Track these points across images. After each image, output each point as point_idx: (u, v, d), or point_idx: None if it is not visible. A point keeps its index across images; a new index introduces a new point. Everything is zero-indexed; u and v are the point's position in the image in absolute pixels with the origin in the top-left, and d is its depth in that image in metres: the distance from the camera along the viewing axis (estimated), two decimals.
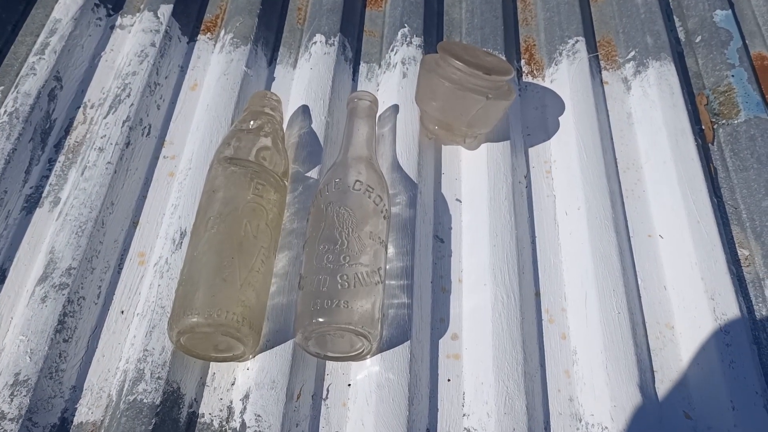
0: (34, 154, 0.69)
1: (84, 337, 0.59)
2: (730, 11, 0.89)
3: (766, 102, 0.80)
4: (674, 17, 0.92)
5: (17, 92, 0.71)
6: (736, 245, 0.70)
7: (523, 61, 0.87)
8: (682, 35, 0.90)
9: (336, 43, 0.82)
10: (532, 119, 0.80)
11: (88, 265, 0.61)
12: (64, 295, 0.58)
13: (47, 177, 0.69)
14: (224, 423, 0.55)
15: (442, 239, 0.69)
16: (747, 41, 0.87)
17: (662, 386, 0.60)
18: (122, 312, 0.61)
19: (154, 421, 0.52)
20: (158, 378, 0.54)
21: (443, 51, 0.67)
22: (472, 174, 0.73)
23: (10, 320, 0.59)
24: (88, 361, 0.58)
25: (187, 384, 0.56)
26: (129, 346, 0.58)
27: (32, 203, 0.67)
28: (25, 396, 0.53)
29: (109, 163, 0.67)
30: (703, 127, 0.80)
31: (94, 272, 0.61)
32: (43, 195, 0.68)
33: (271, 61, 0.84)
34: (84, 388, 0.57)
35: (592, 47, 0.87)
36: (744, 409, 0.57)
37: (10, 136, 0.67)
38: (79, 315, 0.59)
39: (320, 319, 0.53)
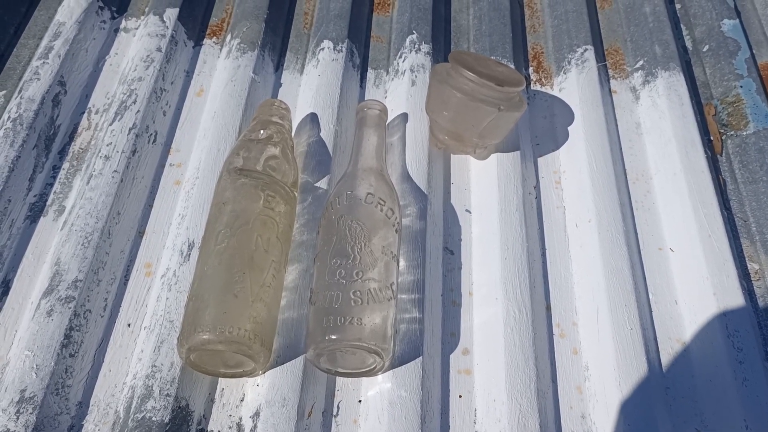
0: (38, 161, 0.68)
1: (90, 352, 0.58)
2: (737, 20, 0.89)
3: None
4: (681, 26, 0.92)
5: (21, 98, 0.69)
6: (746, 259, 0.70)
7: (531, 69, 0.87)
8: (689, 44, 0.90)
9: (344, 49, 0.81)
10: (541, 128, 0.80)
11: (94, 277, 0.60)
12: (70, 308, 0.57)
13: (51, 185, 0.68)
14: None
15: (452, 251, 0.68)
16: (755, 51, 0.87)
17: (675, 403, 0.60)
18: (129, 325, 0.60)
19: None
20: (167, 395, 0.53)
21: (455, 61, 0.67)
22: (482, 184, 0.72)
23: (15, 333, 0.58)
24: (94, 376, 0.57)
25: (196, 400, 0.55)
26: (136, 361, 0.57)
27: (36, 212, 0.66)
28: (31, 413, 0.52)
29: (115, 171, 0.66)
30: (712, 138, 0.80)
31: (100, 284, 0.60)
32: (48, 203, 0.67)
33: (278, 67, 0.83)
34: (90, 404, 0.56)
35: (600, 56, 0.86)
36: (757, 427, 0.57)
37: (14, 143, 0.66)
38: (86, 329, 0.58)
39: (333, 336, 0.52)
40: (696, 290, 0.65)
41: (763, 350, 0.62)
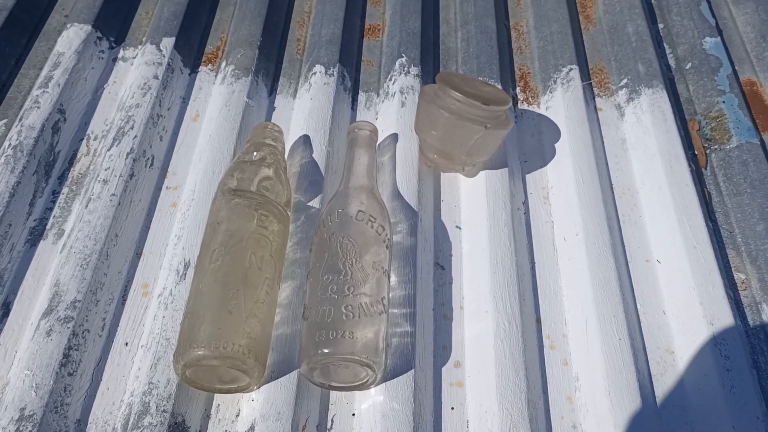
0: (38, 187, 0.70)
1: (88, 371, 0.59)
2: (719, 38, 0.91)
3: (757, 127, 0.82)
4: (664, 44, 0.95)
5: (21, 125, 0.72)
6: (733, 269, 0.71)
7: (518, 89, 0.89)
8: (672, 62, 0.92)
9: (335, 73, 0.83)
10: (529, 146, 0.82)
11: (92, 298, 0.61)
12: (69, 328, 0.58)
13: (51, 209, 0.70)
14: None
15: (442, 266, 0.69)
16: (736, 67, 0.89)
17: (665, 412, 0.61)
18: (126, 344, 0.62)
19: None
20: (163, 411, 0.55)
21: (442, 82, 0.69)
22: (472, 201, 0.74)
23: (14, 354, 0.59)
24: (92, 394, 0.58)
25: (192, 416, 0.56)
26: (134, 379, 0.58)
27: (36, 236, 0.68)
28: (30, 431, 0.53)
29: (113, 194, 0.68)
30: (696, 152, 0.82)
31: (98, 304, 0.62)
32: (47, 227, 0.68)
33: (272, 92, 0.85)
34: (89, 422, 0.57)
35: (585, 75, 0.89)
36: None
37: (15, 169, 0.68)
38: (84, 348, 0.59)
39: (325, 350, 0.53)
40: (683, 300, 0.67)
41: (751, 358, 0.63)
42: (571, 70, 0.87)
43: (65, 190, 0.72)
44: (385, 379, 0.58)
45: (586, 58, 0.93)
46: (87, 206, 0.67)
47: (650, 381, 0.62)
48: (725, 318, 0.64)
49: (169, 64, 0.81)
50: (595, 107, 0.86)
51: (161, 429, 0.54)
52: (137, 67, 0.82)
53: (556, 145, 0.80)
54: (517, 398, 0.59)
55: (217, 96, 0.81)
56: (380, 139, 0.76)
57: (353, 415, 0.59)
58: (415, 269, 0.65)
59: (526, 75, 0.91)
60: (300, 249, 0.66)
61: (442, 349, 0.64)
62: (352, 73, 0.87)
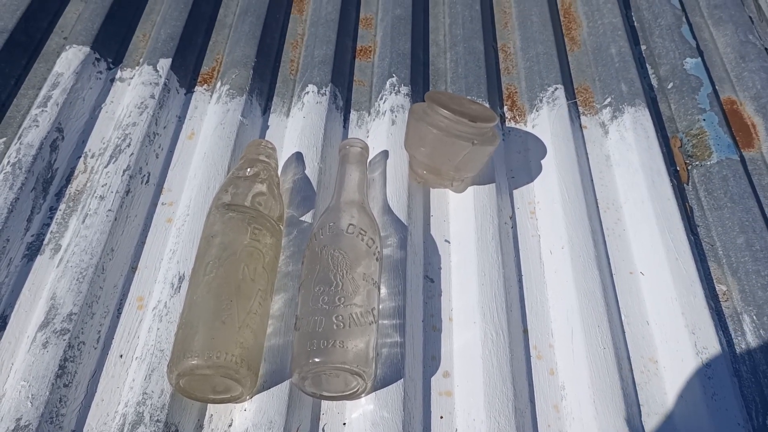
0: (36, 203, 0.72)
1: (83, 382, 0.60)
2: (699, 59, 0.95)
3: (737, 144, 0.84)
4: (647, 65, 0.98)
5: (20, 143, 0.73)
6: (714, 281, 0.73)
7: (505, 108, 0.92)
8: (654, 82, 0.95)
9: (327, 92, 0.86)
10: (516, 162, 0.84)
11: (88, 311, 0.63)
12: (65, 340, 0.59)
13: (48, 225, 0.71)
14: None
15: (432, 279, 0.71)
16: (717, 87, 0.92)
17: (649, 420, 0.62)
18: (121, 356, 0.63)
19: None
20: (157, 421, 0.56)
21: (430, 100, 0.71)
22: (460, 216, 0.76)
23: (11, 366, 0.60)
24: (87, 405, 0.59)
25: (185, 426, 0.57)
26: (128, 390, 0.59)
27: (33, 251, 0.69)
28: None
29: (109, 210, 0.69)
30: (678, 168, 0.84)
31: (94, 317, 0.63)
32: (44, 242, 0.70)
33: (266, 111, 0.87)
34: None
35: (570, 94, 0.92)
36: None
37: (13, 185, 0.70)
38: (79, 360, 0.60)
39: (316, 359, 0.54)
40: (666, 311, 0.68)
41: (732, 366, 0.65)
42: (556, 89, 0.89)
43: (62, 206, 0.73)
44: (375, 389, 0.59)
45: (571, 78, 0.96)
46: (84, 221, 0.68)
47: (634, 389, 0.64)
48: (706, 327, 0.66)
49: (165, 84, 0.84)
50: (580, 125, 0.89)
51: None
52: (134, 87, 0.84)
53: (543, 161, 0.82)
54: (505, 407, 0.60)
55: (212, 115, 0.83)
56: (371, 156, 0.78)
57: (344, 424, 0.60)
58: (405, 281, 0.67)
59: (513, 94, 0.94)
60: (292, 262, 0.67)
61: (432, 359, 0.65)
62: (344, 93, 0.90)
